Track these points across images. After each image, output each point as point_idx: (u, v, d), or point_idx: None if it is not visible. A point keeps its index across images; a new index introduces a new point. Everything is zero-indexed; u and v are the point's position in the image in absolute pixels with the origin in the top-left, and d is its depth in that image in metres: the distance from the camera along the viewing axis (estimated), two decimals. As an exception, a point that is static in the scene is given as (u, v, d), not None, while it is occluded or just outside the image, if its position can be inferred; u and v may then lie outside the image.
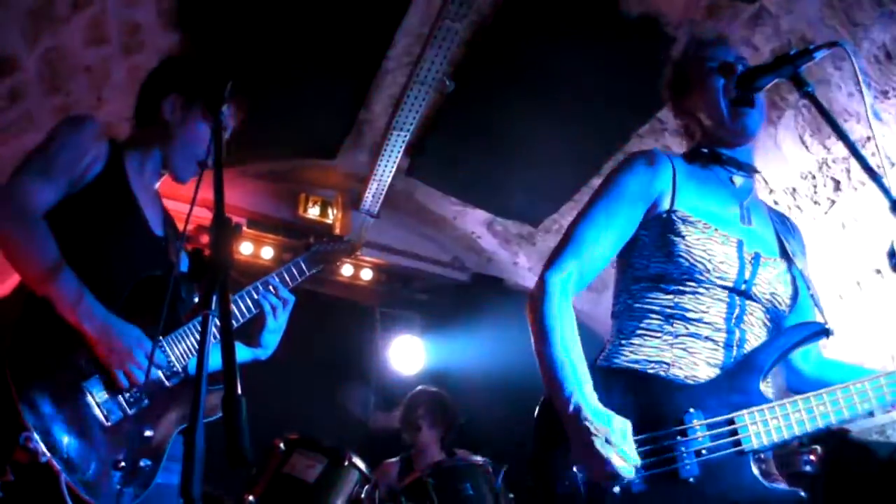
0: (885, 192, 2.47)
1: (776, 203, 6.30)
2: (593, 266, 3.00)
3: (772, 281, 2.99)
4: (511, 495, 5.81)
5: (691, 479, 2.61)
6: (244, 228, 8.62)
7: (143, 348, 3.09)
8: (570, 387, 2.66)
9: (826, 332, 2.88)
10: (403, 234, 9.75)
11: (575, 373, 2.70)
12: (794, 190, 6.22)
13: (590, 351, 2.91)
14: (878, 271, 6.11)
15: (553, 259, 2.98)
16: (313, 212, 9.18)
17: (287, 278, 3.70)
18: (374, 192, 8.58)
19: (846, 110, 5.37)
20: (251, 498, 5.20)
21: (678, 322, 2.89)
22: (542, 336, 2.81)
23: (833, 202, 6.14)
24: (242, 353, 3.58)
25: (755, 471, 2.65)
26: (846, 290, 6.28)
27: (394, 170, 8.11)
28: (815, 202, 6.20)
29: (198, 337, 3.27)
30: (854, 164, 5.87)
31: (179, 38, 5.46)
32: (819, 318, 3.05)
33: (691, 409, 2.70)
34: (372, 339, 10.11)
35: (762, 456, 2.73)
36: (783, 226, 3.27)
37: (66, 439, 2.91)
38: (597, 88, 6.55)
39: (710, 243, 2.93)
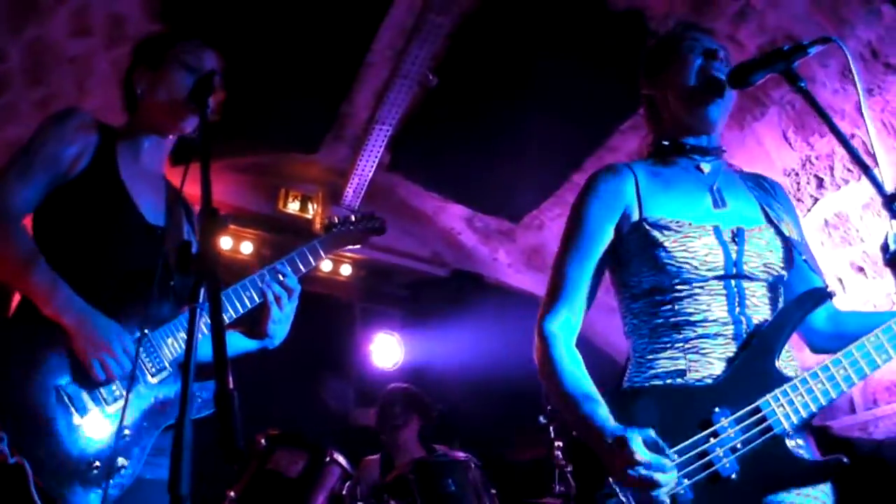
0: (878, 186, 2.46)
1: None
2: (584, 299, 3.07)
3: (761, 251, 2.97)
4: (493, 491, 5.80)
5: (734, 476, 2.62)
6: (224, 222, 8.56)
7: (122, 342, 3.03)
8: (587, 413, 2.71)
9: (828, 295, 2.90)
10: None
11: (586, 401, 2.75)
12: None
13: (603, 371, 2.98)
14: (861, 269, 6.13)
15: (543, 307, 3.06)
16: (293, 206, 9.14)
17: (300, 264, 3.64)
18: (356, 186, 8.55)
19: (831, 107, 5.39)
20: (233, 494, 5.18)
21: (685, 328, 2.88)
22: (553, 378, 2.88)
23: (816, 199, 6.16)
24: (248, 343, 3.55)
25: (794, 449, 2.67)
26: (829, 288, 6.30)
27: (375, 164, 8.09)
28: (798, 199, 6.22)
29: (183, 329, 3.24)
30: (838, 163, 5.89)
31: (163, 30, 5.42)
32: (818, 281, 3.05)
33: (716, 409, 2.70)
34: (352, 335, 10.09)
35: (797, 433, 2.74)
36: (762, 190, 3.24)
37: (37, 439, 2.86)
38: (580, 84, 6.55)
39: (688, 240, 2.92)
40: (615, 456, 2.54)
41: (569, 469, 6.13)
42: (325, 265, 9.39)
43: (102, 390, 3.03)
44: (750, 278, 2.94)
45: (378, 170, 8.27)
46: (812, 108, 2.74)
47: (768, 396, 2.69)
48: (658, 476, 2.49)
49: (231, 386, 1.95)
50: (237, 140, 7.44)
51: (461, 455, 5.95)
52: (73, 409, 2.96)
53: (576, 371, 2.88)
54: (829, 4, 4.99)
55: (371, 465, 7.00)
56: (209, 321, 2.09)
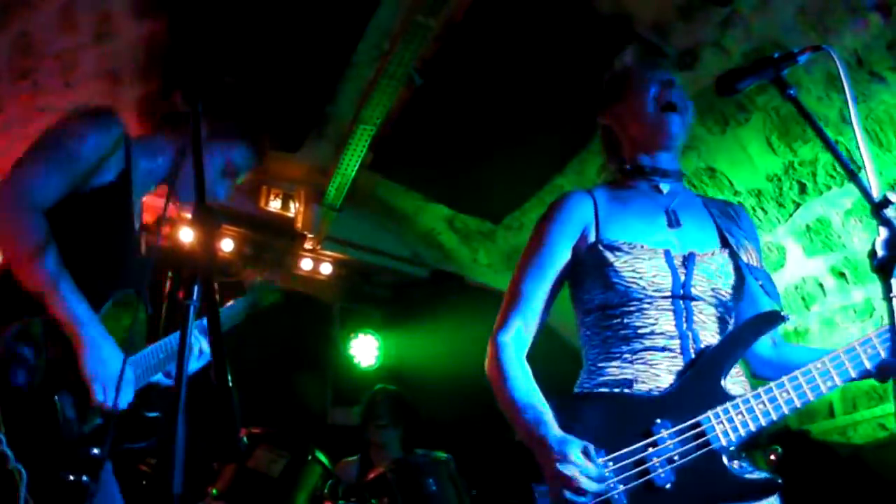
0: (866, 193, 2.48)
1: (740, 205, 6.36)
2: (538, 314, 3.17)
3: (710, 277, 3.03)
4: (474, 492, 5.82)
5: (668, 486, 2.68)
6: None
7: (124, 372, 3.03)
8: (531, 425, 2.79)
9: (782, 319, 2.93)
10: (364, 229, 9.71)
11: (535, 412, 2.84)
12: (759, 192, 6.27)
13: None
14: (842, 274, 6.18)
15: (498, 318, 3.16)
16: (275, 205, 9.11)
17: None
18: (338, 185, 8.54)
19: (815, 114, 5.42)
20: (214, 492, 5.18)
21: (633, 340, 2.96)
22: (502, 389, 2.97)
23: (798, 205, 6.20)
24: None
25: (730, 465, 2.71)
26: (810, 293, 6.35)
27: (358, 164, 8.08)
28: (780, 205, 6.26)
29: (157, 359, 3.26)
30: (821, 169, 5.93)
31: (149, 29, 5.41)
32: (771, 306, 3.10)
33: (658, 420, 2.77)
34: (331, 335, 10.08)
35: (738, 451, 2.78)
36: (724, 216, 3.29)
37: (32, 449, 2.87)
38: (564, 87, 6.56)
39: (637, 262, 3.00)
40: (550, 460, 2.64)
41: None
42: (305, 264, 9.37)
43: (91, 413, 3.06)
44: (697, 300, 3.00)
45: (360, 169, 8.26)
46: (801, 115, 2.76)
47: (710, 412, 2.75)
48: (587, 484, 2.60)
49: (230, 384, 1.97)
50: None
51: (442, 456, 5.96)
52: (69, 425, 2.99)
53: (522, 380, 2.98)
54: (815, 13, 5.03)
55: (347, 468, 6.99)
56: (211, 318, 2.10)
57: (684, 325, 2.94)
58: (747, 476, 2.73)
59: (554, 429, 2.74)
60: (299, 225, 9.16)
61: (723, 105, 4.75)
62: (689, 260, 3.03)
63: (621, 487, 2.67)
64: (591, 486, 2.60)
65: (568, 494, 2.60)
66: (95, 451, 3.04)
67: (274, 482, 5.23)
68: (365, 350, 10.04)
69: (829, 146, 2.70)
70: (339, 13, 6.11)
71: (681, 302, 2.97)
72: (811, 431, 6.56)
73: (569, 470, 2.59)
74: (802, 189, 6.11)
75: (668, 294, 2.96)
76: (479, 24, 6.17)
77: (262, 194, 9.12)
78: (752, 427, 2.72)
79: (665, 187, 3.24)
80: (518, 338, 3.10)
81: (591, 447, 2.67)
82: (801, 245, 6.28)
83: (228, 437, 1.90)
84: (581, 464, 2.60)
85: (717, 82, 3.04)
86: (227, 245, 8.79)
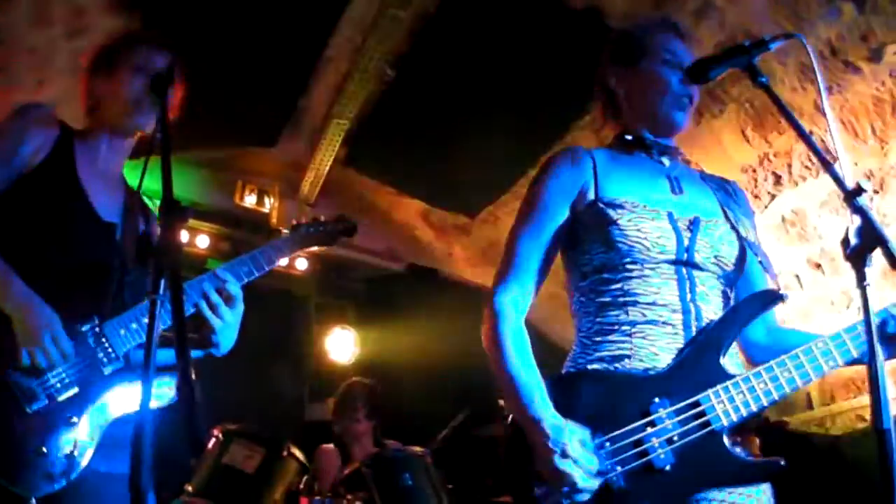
0: (839, 181, 2.48)
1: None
2: (537, 276, 3.04)
3: (714, 243, 2.96)
4: (450, 486, 5.81)
5: (668, 468, 2.61)
6: (179, 215, 8.49)
7: (52, 332, 2.98)
8: (526, 401, 2.69)
9: (780, 297, 2.89)
10: (339, 224, 9.70)
11: (528, 387, 2.74)
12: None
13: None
14: (818, 266, 6.19)
15: (495, 281, 3.04)
16: (250, 200, 9.12)
17: (253, 267, 3.58)
18: (312, 180, 8.54)
19: (790, 105, 5.42)
20: (190, 488, 5.16)
21: (633, 309, 2.86)
22: (498, 356, 2.86)
23: (773, 196, 6.21)
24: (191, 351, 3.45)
25: (731, 447, 2.66)
26: (786, 285, 6.36)
27: (332, 159, 8.08)
28: (756, 196, 6.27)
29: (141, 322, 3.20)
30: (795, 160, 5.94)
31: (124, 22, 5.39)
32: (770, 284, 3.07)
33: (656, 399, 2.69)
34: (307, 329, 10.09)
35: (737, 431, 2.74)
36: (723, 192, 3.23)
37: None
38: (537, 80, 6.56)
39: (641, 221, 2.91)
40: (547, 449, 2.57)
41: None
42: (281, 259, 9.34)
43: (53, 379, 3.01)
44: (700, 268, 2.92)
45: (334, 164, 8.25)
46: (773, 102, 2.75)
47: (709, 391, 2.68)
48: (583, 478, 2.53)
49: (193, 377, 1.95)
50: (194, 134, 7.40)
51: (418, 450, 5.95)
52: (22, 398, 2.94)
53: (520, 354, 2.85)
54: (789, 3, 5.03)
55: (330, 454, 7.00)
56: (176, 312, 2.09)
57: (688, 297, 2.86)
58: (748, 458, 2.68)
59: (550, 414, 2.65)
60: (274, 220, 9.16)
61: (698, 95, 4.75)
62: (693, 224, 2.96)
63: (619, 469, 2.61)
64: (589, 483, 2.55)
65: (566, 490, 2.55)
66: (74, 419, 3.00)
67: (250, 478, 5.22)
68: (341, 345, 10.04)
69: (802, 135, 2.69)
70: (311, 6, 6.10)
71: (683, 270, 2.89)
72: (789, 423, 6.59)
73: (567, 466, 2.53)
74: (777, 180, 6.12)
75: (672, 258, 2.88)
76: (451, 17, 6.17)
77: (237, 189, 9.11)
78: (754, 407, 2.67)
79: (666, 161, 3.18)
80: (516, 301, 2.97)
81: (589, 435, 2.62)
82: (777, 237, 6.29)
83: (190, 432, 1.87)
84: (580, 458, 2.54)
85: (689, 70, 3.02)
86: (202, 241, 8.78)
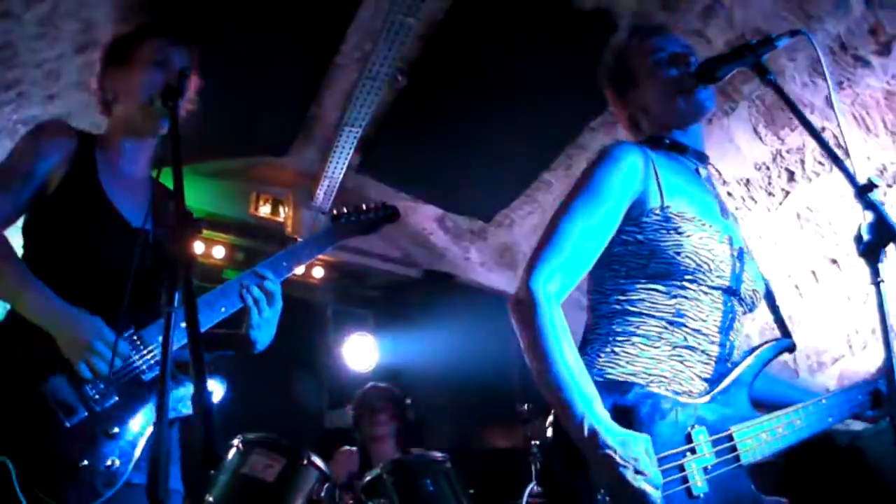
0: (850, 177, 2.47)
1: (730, 195, 6.35)
2: (580, 268, 2.81)
3: (753, 277, 2.96)
4: (471, 490, 5.80)
5: (702, 496, 2.55)
6: (195, 226, 8.49)
7: (103, 338, 2.99)
8: (580, 409, 2.50)
9: (791, 349, 2.95)
10: (354, 232, 9.71)
11: (582, 392, 2.54)
12: (747, 181, 6.26)
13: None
14: (834, 261, 6.17)
15: (537, 263, 2.74)
16: (265, 210, 9.14)
17: (293, 263, 3.63)
18: (326, 189, 8.56)
19: (801, 101, 5.42)
20: (210, 498, 5.17)
21: (678, 331, 2.80)
22: (541, 355, 2.61)
23: (787, 193, 6.19)
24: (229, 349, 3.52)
25: (752, 484, 2.66)
26: (802, 281, 6.34)
27: (345, 166, 8.09)
28: (770, 193, 6.25)
29: (180, 326, 3.19)
30: (808, 156, 5.92)
31: (130, 29, 5.43)
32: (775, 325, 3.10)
33: (696, 426, 2.65)
34: (324, 337, 10.09)
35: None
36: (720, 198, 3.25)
37: (22, 440, 2.84)
38: (549, 82, 6.56)
39: (712, 242, 2.85)
40: (611, 462, 2.40)
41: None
42: (297, 269, 9.35)
43: (90, 390, 3.00)
44: (741, 300, 2.93)
45: (348, 172, 8.26)
46: (782, 99, 2.75)
47: (742, 426, 2.69)
48: (651, 490, 2.40)
49: (209, 390, 1.95)
50: (206, 145, 7.42)
51: (438, 455, 5.94)
52: (60, 412, 2.93)
53: (567, 350, 2.60)
54: (797, -1, 5.03)
55: (350, 457, 7.00)
56: (190, 324, 2.09)
57: (724, 331, 2.86)
58: (764, 498, 2.68)
59: (608, 421, 2.49)
60: (289, 229, 9.18)
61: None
62: (740, 254, 2.94)
63: (661, 493, 2.47)
64: (657, 496, 2.40)
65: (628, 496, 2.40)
66: (115, 429, 2.99)
67: (270, 487, 5.22)
68: (359, 352, 10.04)
69: (811, 131, 2.69)
70: (319, 15, 6.10)
71: (731, 300, 2.88)
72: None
73: (641, 484, 2.37)
74: (791, 177, 6.10)
75: (725, 285, 2.85)
76: (460, 22, 6.17)
77: (251, 200, 9.13)
78: (774, 448, 2.70)
79: (703, 172, 3.16)
80: (558, 289, 2.70)
81: (650, 443, 2.48)
82: (792, 233, 6.27)
83: (207, 446, 1.87)
84: (651, 472, 2.41)
85: (698, 71, 3.02)
86: (218, 252, 8.79)
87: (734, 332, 2.90)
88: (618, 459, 2.39)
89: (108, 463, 2.95)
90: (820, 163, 5.88)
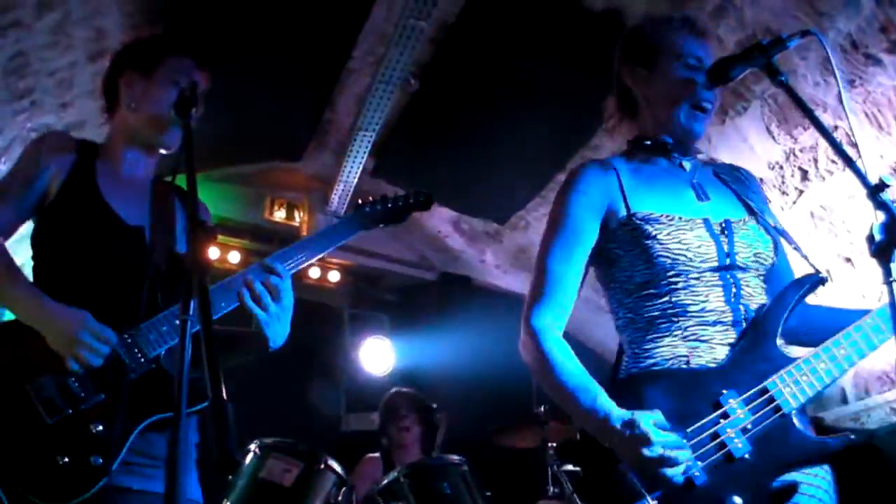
0: (862, 177, 2.47)
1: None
2: (570, 293, 3.01)
3: (750, 242, 2.97)
4: (488, 493, 5.80)
5: (747, 456, 2.61)
6: (209, 232, 8.50)
7: (88, 329, 2.99)
8: (587, 405, 2.70)
9: (822, 281, 2.91)
10: (370, 235, 9.70)
11: (586, 391, 2.74)
12: (761, 181, 6.24)
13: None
14: (848, 260, 6.15)
15: (531, 305, 2.99)
16: (280, 215, 9.16)
17: (305, 255, 3.44)
18: (341, 193, 8.57)
19: (813, 100, 5.41)
20: (227, 503, 5.18)
21: (683, 318, 2.87)
22: (547, 373, 2.84)
23: (801, 192, 6.18)
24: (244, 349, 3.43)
25: (802, 428, 2.68)
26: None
27: (360, 170, 8.10)
28: (783, 192, 6.24)
29: (174, 324, 3.17)
30: (822, 155, 5.91)
31: (154, 35, 5.45)
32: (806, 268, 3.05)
33: (724, 391, 2.70)
34: (341, 341, 10.08)
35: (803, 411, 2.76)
36: (738, 182, 3.22)
37: (3, 436, 2.88)
38: (561, 84, 6.55)
39: (681, 233, 2.91)
40: (626, 440, 2.55)
41: (563, 469, 6.15)
42: (313, 272, 9.38)
43: (76, 388, 3.00)
44: (743, 269, 2.93)
45: (362, 175, 8.27)
46: (793, 100, 2.75)
47: (774, 377, 2.69)
48: (674, 453, 2.51)
49: (225, 397, 1.96)
50: (221, 150, 7.44)
51: (455, 458, 5.94)
52: (42, 409, 2.94)
53: (569, 363, 2.83)
54: (808, -3, 5.02)
55: (373, 463, 7.01)
56: (206, 332, 2.10)
57: (733, 299, 2.87)
58: (819, 438, 2.68)
59: (616, 408, 2.64)
60: (305, 234, 9.18)
61: (720, 95, 4.76)
62: (727, 227, 2.97)
63: (700, 464, 2.59)
64: (678, 456, 2.52)
65: (662, 472, 2.51)
66: (99, 427, 2.99)
67: (287, 491, 5.22)
68: (376, 355, 10.04)
69: (822, 131, 2.69)
70: (331, 20, 6.12)
71: (727, 275, 2.90)
72: (825, 419, 6.54)
73: (656, 452, 2.50)
74: (804, 176, 6.09)
75: (715, 265, 2.88)
76: (472, 25, 6.17)
77: (266, 205, 9.15)
78: (819, 387, 2.69)
79: (687, 164, 3.18)
80: (553, 321, 2.94)
81: (660, 415, 2.59)
82: (806, 232, 6.25)
83: (222, 452, 1.87)
84: (659, 438, 2.52)
85: (710, 72, 3.02)
86: (233, 257, 8.80)
87: (745, 298, 2.90)
88: (627, 436, 2.55)
89: (91, 461, 2.96)
90: (833, 161, 5.86)
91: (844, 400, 6.64)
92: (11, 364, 3.01)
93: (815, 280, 2.90)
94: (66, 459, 2.90)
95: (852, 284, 6.19)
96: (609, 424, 2.60)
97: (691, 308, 2.86)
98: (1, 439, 2.88)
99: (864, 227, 2.39)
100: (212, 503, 5.24)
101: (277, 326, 3.31)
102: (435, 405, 7.34)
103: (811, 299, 2.96)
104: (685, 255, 2.88)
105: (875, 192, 2.37)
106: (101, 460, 2.95)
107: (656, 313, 2.92)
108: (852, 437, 2.67)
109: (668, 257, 2.88)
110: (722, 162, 3.39)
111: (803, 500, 2.67)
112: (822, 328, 2.85)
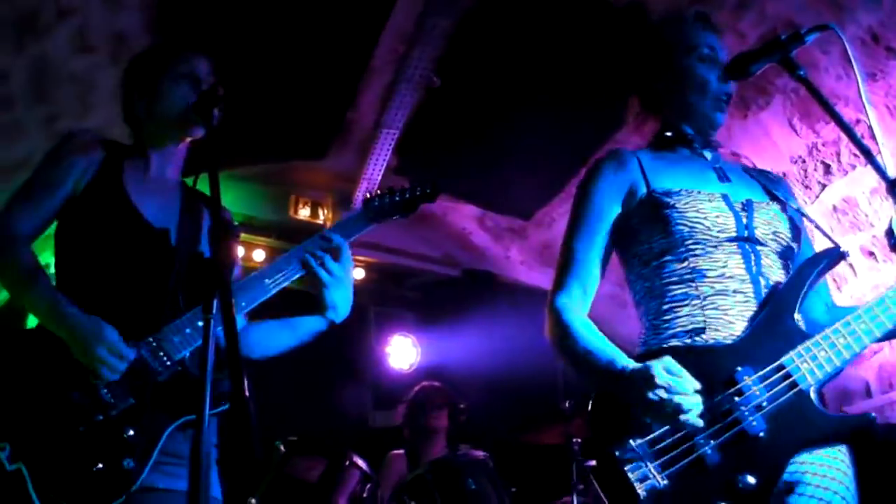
0: (881, 171, 2.47)
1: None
2: (594, 276, 3.08)
3: (770, 221, 3.00)
4: (513, 489, 5.82)
5: (761, 434, 2.61)
6: (235, 231, 8.53)
7: (106, 344, 3.01)
8: (605, 362, 2.76)
9: (842, 256, 2.90)
10: (394, 233, 9.67)
11: (605, 349, 2.80)
12: (784, 175, 6.23)
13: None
14: (871, 254, 6.13)
15: (555, 286, 3.06)
16: (304, 213, 9.14)
17: (348, 230, 3.56)
18: (365, 190, 8.56)
19: (835, 94, 5.38)
20: (253, 501, 5.21)
21: (702, 283, 2.88)
22: (568, 339, 2.90)
23: (824, 186, 6.16)
24: (312, 322, 3.51)
25: (819, 406, 2.67)
26: (839, 274, 6.30)
27: (384, 168, 8.11)
28: (806, 186, 6.22)
29: (196, 326, 3.20)
30: (844, 148, 5.88)
31: (153, 46, 5.46)
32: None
33: (739, 368, 2.70)
34: (366, 338, 10.10)
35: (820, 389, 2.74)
36: (766, 178, 3.27)
37: (38, 446, 2.90)
38: (584, 78, 6.54)
39: (699, 203, 2.94)
40: (635, 386, 2.59)
41: (587, 464, 6.15)
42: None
43: (106, 394, 3.03)
44: (762, 243, 2.95)
45: (386, 173, 8.28)
46: (812, 95, 2.75)
47: (791, 353, 2.70)
48: (682, 399, 2.54)
49: (247, 393, 1.97)
50: (245, 149, 7.46)
51: (480, 454, 5.96)
52: (76, 415, 2.97)
53: (589, 330, 2.91)
54: (829, -9, 5.00)
55: (398, 459, 7.03)
56: (228, 330, 2.11)
57: (753, 269, 2.89)
58: (837, 415, 2.69)
59: (632, 362, 2.70)
60: (329, 231, 9.17)
61: (742, 90, 4.75)
62: (747, 206, 3.00)
63: (712, 442, 2.60)
64: (691, 401, 2.56)
65: (681, 418, 2.55)
66: (130, 432, 3.02)
67: (313, 488, 5.25)
68: (401, 352, 10.05)
69: (841, 124, 2.69)
70: (353, 19, 6.13)
71: (746, 245, 2.92)
72: (849, 413, 6.51)
73: (660, 393, 2.54)
74: (827, 170, 6.07)
75: (734, 235, 2.91)
76: (493, 21, 6.17)
77: (291, 203, 9.15)
78: (837, 362, 2.68)
79: (708, 154, 3.22)
80: (577, 301, 3.01)
81: (672, 361, 2.63)
82: (829, 226, 6.23)
83: (244, 449, 1.89)
84: (671, 382, 2.55)
85: (729, 67, 3.03)
86: (258, 255, 8.83)
87: (766, 269, 2.92)
88: (641, 380, 2.60)
89: (124, 465, 2.98)
90: (856, 155, 5.84)
91: (868, 394, 6.61)
92: (42, 371, 3.04)
93: (835, 254, 2.90)
94: (100, 465, 2.94)
95: (876, 278, 6.17)
96: (626, 374, 2.66)
97: (710, 273, 2.89)
98: (36, 447, 2.91)
99: (887, 220, 2.40)
100: (233, 500, 5.31)
101: (343, 292, 3.45)
102: (462, 405, 7.35)
103: (841, 299, 2.96)
104: (702, 224, 2.92)
105: (894, 186, 2.38)
106: (133, 464, 2.99)
107: (674, 278, 2.95)
108: (872, 415, 2.65)
109: (685, 225, 2.92)
110: (753, 167, 3.41)
111: (818, 492, 2.67)
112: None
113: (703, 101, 3.15)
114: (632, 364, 2.67)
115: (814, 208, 6.23)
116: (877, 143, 2.55)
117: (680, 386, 2.56)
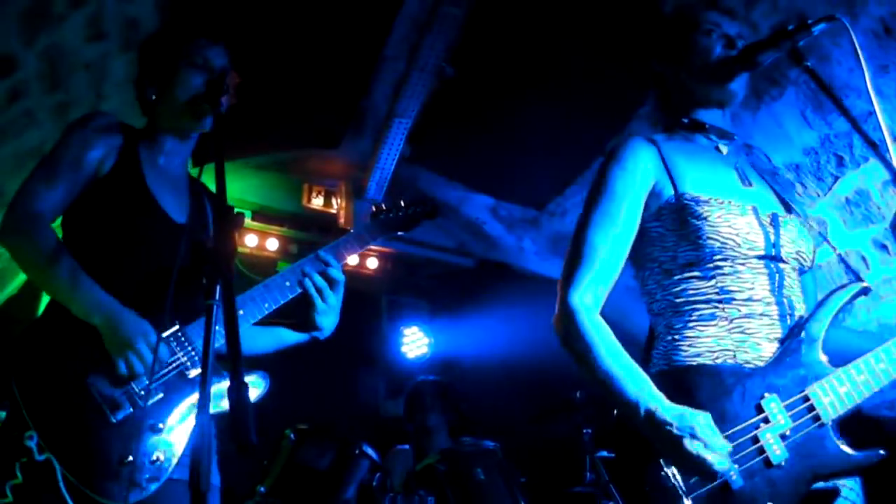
0: (888, 163, 2.46)
1: (780, 180, 6.31)
2: (610, 271, 2.91)
3: (794, 239, 2.97)
4: (523, 479, 5.82)
5: (783, 463, 2.59)
6: (248, 220, 8.57)
7: (146, 339, 3.02)
8: (632, 394, 2.63)
9: (865, 291, 2.87)
10: (408, 222, 9.72)
11: (632, 379, 2.67)
12: (797, 167, 6.20)
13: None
14: (884, 246, 6.10)
15: (569, 279, 2.89)
16: (317, 202, 9.18)
17: (344, 252, 3.65)
18: (378, 180, 8.58)
19: (847, 85, 5.35)
20: (262, 488, 5.22)
21: (729, 306, 2.84)
22: (584, 356, 2.76)
23: (836, 178, 6.13)
24: (296, 336, 3.59)
25: (837, 440, 2.65)
26: (854, 267, 6.27)
27: (397, 157, 8.11)
28: (819, 178, 6.19)
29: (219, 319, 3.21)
30: (856, 140, 5.85)
31: (165, 29, 5.46)
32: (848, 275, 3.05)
33: (766, 395, 2.68)
34: (380, 327, 10.13)
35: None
36: (773, 179, 3.25)
37: (68, 437, 2.89)
38: (598, 68, 6.53)
39: (731, 217, 2.87)
40: (672, 437, 2.52)
41: (598, 455, 6.14)
42: (352, 259, 9.40)
43: (136, 386, 3.04)
44: (784, 261, 2.92)
45: (400, 162, 8.28)
46: (819, 86, 2.75)
47: (815, 386, 2.67)
48: (715, 458, 2.48)
49: (243, 379, 1.98)
50: (258, 138, 7.48)
51: (489, 445, 5.96)
52: (106, 407, 2.97)
53: (611, 347, 2.74)
54: (840, -19, 4.97)
55: (402, 455, 7.03)
56: (228, 317, 2.12)
57: (777, 290, 2.86)
58: (853, 453, 2.66)
59: (663, 399, 2.61)
60: (342, 220, 9.21)
61: (755, 81, 4.75)
62: (774, 221, 2.96)
63: (737, 468, 2.56)
64: (725, 465, 2.50)
65: (702, 475, 2.52)
66: (160, 425, 3.03)
67: (322, 476, 5.27)
68: (414, 341, 10.08)
69: (848, 116, 2.68)
70: (366, 8, 6.13)
71: (772, 264, 2.89)
72: (862, 407, 6.49)
73: (699, 449, 2.48)
74: (840, 162, 6.03)
75: (762, 253, 2.87)
76: (506, 9, 6.16)
77: (304, 192, 9.18)
78: (857, 399, 2.67)
79: (724, 148, 3.16)
80: (593, 299, 2.84)
81: (710, 418, 2.56)
82: (842, 218, 6.21)
83: (240, 434, 1.90)
84: (709, 440, 2.50)
85: (737, 58, 3.01)
86: (271, 244, 8.86)
87: (787, 290, 2.89)
88: (675, 431, 2.50)
89: (154, 458, 2.99)
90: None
91: (882, 387, 6.58)
92: (67, 359, 3.03)
93: (859, 290, 2.86)
94: (131, 458, 2.94)
95: (889, 270, 6.14)
96: (656, 418, 2.56)
97: (738, 296, 2.84)
98: (65, 438, 2.90)
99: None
100: (246, 488, 5.33)
101: (332, 316, 3.56)
102: (460, 396, 7.33)
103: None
104: (734, 241, 2.85)
105: (902, 178, 2.37)
106: (163, 458, 3.01)
107: (701, 297, 2.88)
108: (881, 452, 2.65)
109: (717, 240, 2.85)
110: (756, 151, 3.38)
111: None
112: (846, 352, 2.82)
113: (712, 71, 3.09)
114: (660, 408, 2.57)
115: (826, 200, 6.21)
116: (885, 136, 2.54)
117: (718, 444, 2.51)
